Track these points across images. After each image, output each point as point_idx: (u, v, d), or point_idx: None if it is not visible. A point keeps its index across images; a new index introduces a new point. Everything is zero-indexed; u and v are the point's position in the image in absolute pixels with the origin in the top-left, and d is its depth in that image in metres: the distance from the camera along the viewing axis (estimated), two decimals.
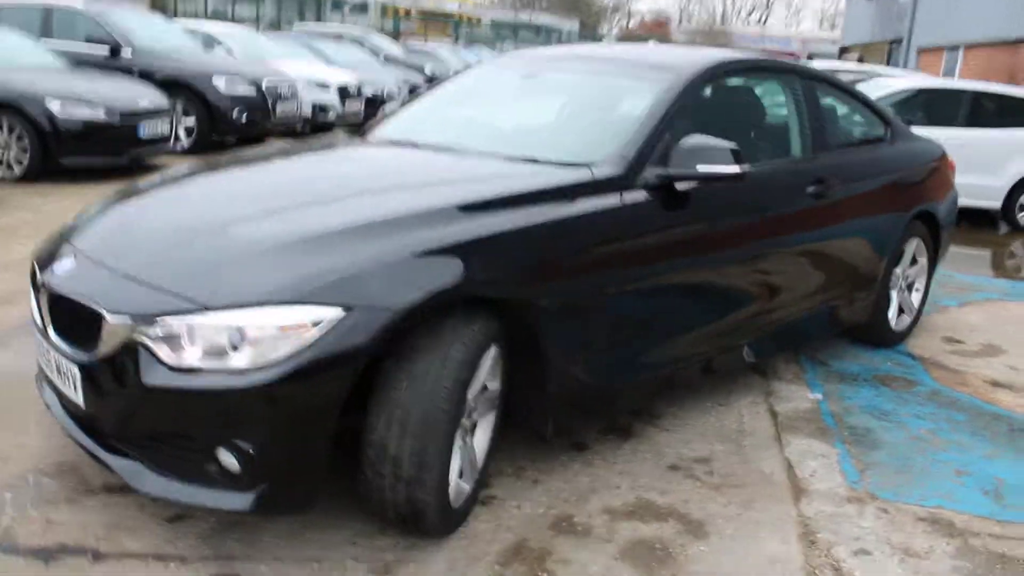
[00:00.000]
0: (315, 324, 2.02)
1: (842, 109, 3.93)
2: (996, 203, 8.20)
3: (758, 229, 3.14)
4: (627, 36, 56.96)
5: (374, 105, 12.40)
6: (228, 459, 2.06)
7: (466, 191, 2.49)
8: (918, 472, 2.92)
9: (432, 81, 14.47)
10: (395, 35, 44.06)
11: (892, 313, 4.13)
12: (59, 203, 6.15)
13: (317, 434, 2.06)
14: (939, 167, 4.34)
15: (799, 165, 3.39)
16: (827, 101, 3.77)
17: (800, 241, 3.35)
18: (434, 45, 26.67)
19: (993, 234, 8.32)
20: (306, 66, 12.20)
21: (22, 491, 2.50)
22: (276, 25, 33.32)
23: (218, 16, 39.68)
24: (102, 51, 9.00)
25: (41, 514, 2.39)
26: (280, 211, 2.36)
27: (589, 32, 60.37)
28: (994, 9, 18.02)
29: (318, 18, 48.09)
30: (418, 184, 2.63)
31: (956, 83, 9.63)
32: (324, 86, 11.93)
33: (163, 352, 2.04)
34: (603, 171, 2.68)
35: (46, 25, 9.23)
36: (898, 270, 4.13)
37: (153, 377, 2.04)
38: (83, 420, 2.31)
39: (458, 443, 2.33)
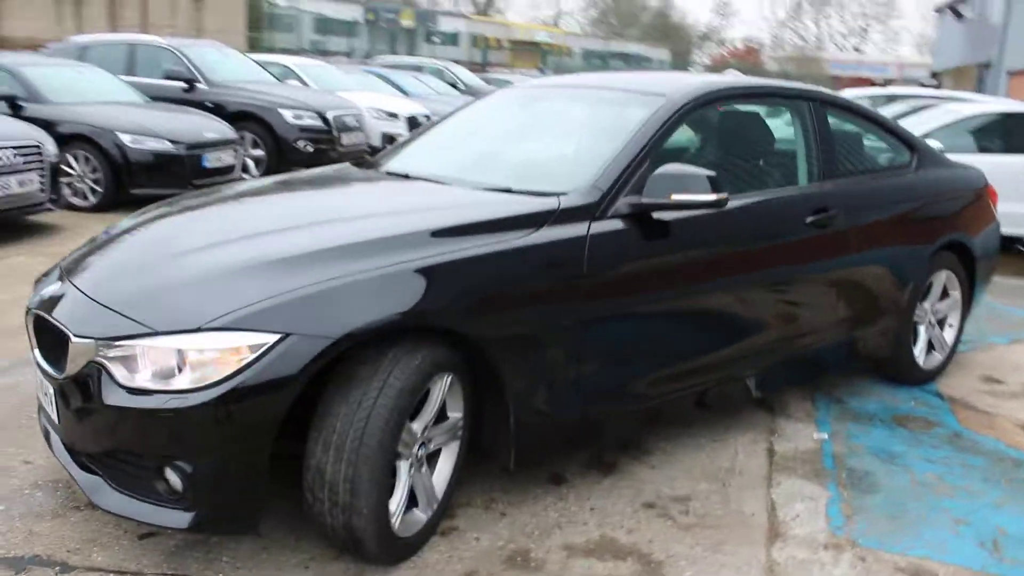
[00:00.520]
0: (252, 349, 2.08)
1: (859, 135, 3.78)
2: None
3: (747, 259, 3.05)
4: (716, 64, 56.36)
5: None
6: (173, 478, 2.14)
7: (418, 221, 2.52)
8: (912, 519, 2.75)
9: None
10: (483, 66, 45.05)
11: (919, 350, 3.93)
12: None
13: (254, 456, 2.12)
14: (976, 196, 4.12)
15: (798, 193, 3.28)
16: (840, 127, 3.65)
17: (799, 272, 3.24)
18: (518, 76, 27.09)
19: None
20: (377, 97, 12.57)
21: (15, 503, 2.65)
22: (369, 57, 34.51)
23: (316, 50, 41.54)
24: (179, 86, 9.52)
25: (25, 525, 2.53)
26: (239, 240, 2.45)
27: (680, 60, 60.06)
28: None
29: (410, 50, 49.67)
30: (381, 214, 2.68)
31: None
32: (393, 116, 12.24)
33: (119, 373, 2.14)
34: (572, 200, 2.67)
35: (130, 61, 9.86)
36: (926, 304, 3.93)
37: (110, 396, 2.14)
38: (62, 437, 2.44)
39: (405, 472, 2.35)
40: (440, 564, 2.41)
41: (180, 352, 2.10)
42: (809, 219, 3.22)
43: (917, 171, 3.89)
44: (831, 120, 3.55)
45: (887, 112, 9.64)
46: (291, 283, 2.20)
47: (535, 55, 53.22)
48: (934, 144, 7.23)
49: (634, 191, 2.74)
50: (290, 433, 2.20)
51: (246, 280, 2.23)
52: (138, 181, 7.37)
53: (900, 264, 3.63)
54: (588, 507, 2.76)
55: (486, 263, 2.41)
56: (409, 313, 2.23)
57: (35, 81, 7.59)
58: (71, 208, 7.16)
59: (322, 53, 41.90)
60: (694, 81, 3.25)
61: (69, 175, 7.32)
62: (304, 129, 9.70)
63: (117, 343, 2.16)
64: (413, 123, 12.57)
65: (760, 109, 3.59)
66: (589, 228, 2.62)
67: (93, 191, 7.38)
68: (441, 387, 2.40)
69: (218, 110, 9.30)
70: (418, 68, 19.87)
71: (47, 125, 7.18)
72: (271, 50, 36.52)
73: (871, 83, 21.44)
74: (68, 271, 2.58)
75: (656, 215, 2.78)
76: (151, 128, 7.44)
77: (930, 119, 7.98)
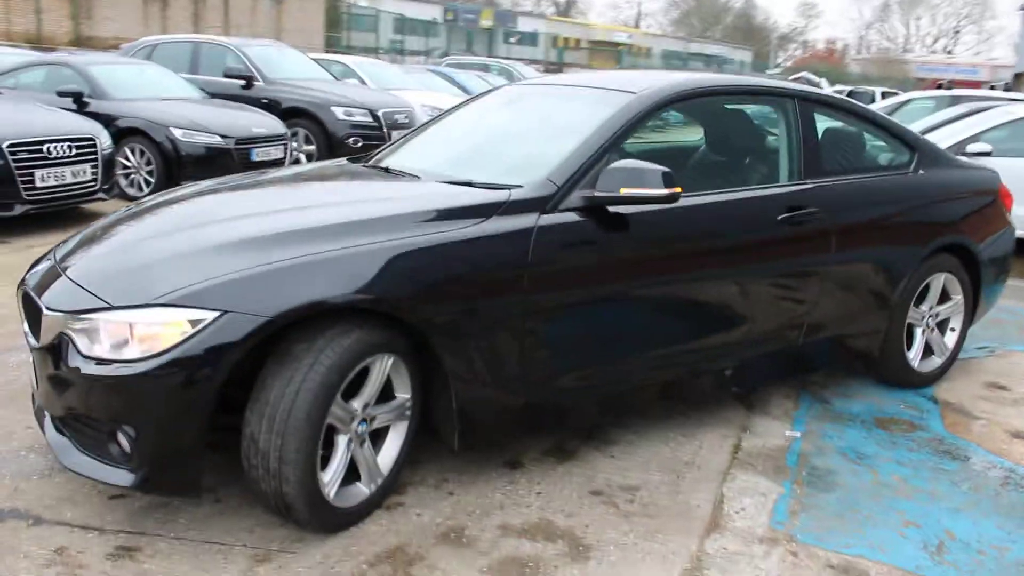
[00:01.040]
0: (192, 324, 2.24)
1: (851, 135, 3.72)
2: None
3: (708, 255, 3.06)
4: (796, 66, 54.94)
5: None
6: (123, 441, 2.32)
7: (368, 210, 2.65)
8: (860, 519, 2.73)
9: None
10: (559, 66, 45.10)
11: (914, 353, 3.84)
12: None
13: (192, 423, 2.27)
14: (984, 199, 4.00)
15: (771, 191, 3.27)
16: (829, 126, 3.61)
17: (770, 269, 3.23)
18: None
19: None
20: (433, 95, 12.79)
21: (10, 463, 2.89)
22: (445, 56, 35.14)
23: (394, 49, 42.36)
24: (238, 83, 9.93)
25: (13, 482, 2.76)
26: (203, 226, 2.63)
27: (763, 62, 58.89)
28: None
29: (489, 50, 50.15)
30: (339, 204, 2.81)
31: None
32: None
33: (82, 343, 2.33)
34: (523, 193, 2.75)
35: (194, 60, 10.33)
36: (924, 307, 3.84)
37: (74, 364, 2.33)
38: (38, 402, 2.66)
39: (343, 446, 2.48)
40: (376, 535, 2.53)
41: (130, 325, 2.27)
42: (781, 217, 3.20)
43: (917, 171, 3.81)
44: (818, 119, 3.51)
45: (948, 114, 9.33)
46: (236, 265, 2.35)
47: (613, 56, 53.01)
48: (982, 147, 7.03)
49: (589, 185, 2.79)
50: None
51: (197, 262, 2.40)
52: (188, 173, 7.72)
53: (888, 265, 3.57)
54: (536, 491, 2.83)
55: (427, 251, 2.51)
56: (342, 296, 2.35)
57: (99, 78, 8.06)
58: (126, 198, 7.58)
59: (400, 52, 42.72)
60: (668, 79, 3.27)
61: (127, 167, 7.76)
62: (355, 125, 9.98)
63: (81, 316, 2.35)
64: None
65: (742, 107, 3.57)
66: (538, 220, 2.69)
67: (147, 182, 7.79)
68: (382, 367, 2.51)
69: (273, 106, 9.67)
70: (485, 68, 20.11)
71: (108, 119, 7.65)
72: (348, 49, 37.47)
73: (939, 86, 20.52)
74: (56, 253, 2.81)
75: (613, 209, 2.83)
76: (202, 123, 7.81)
77: (984, 120, 7.71)
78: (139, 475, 2.32)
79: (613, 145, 2.92)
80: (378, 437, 2.67)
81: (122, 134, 7.70)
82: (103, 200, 6.86)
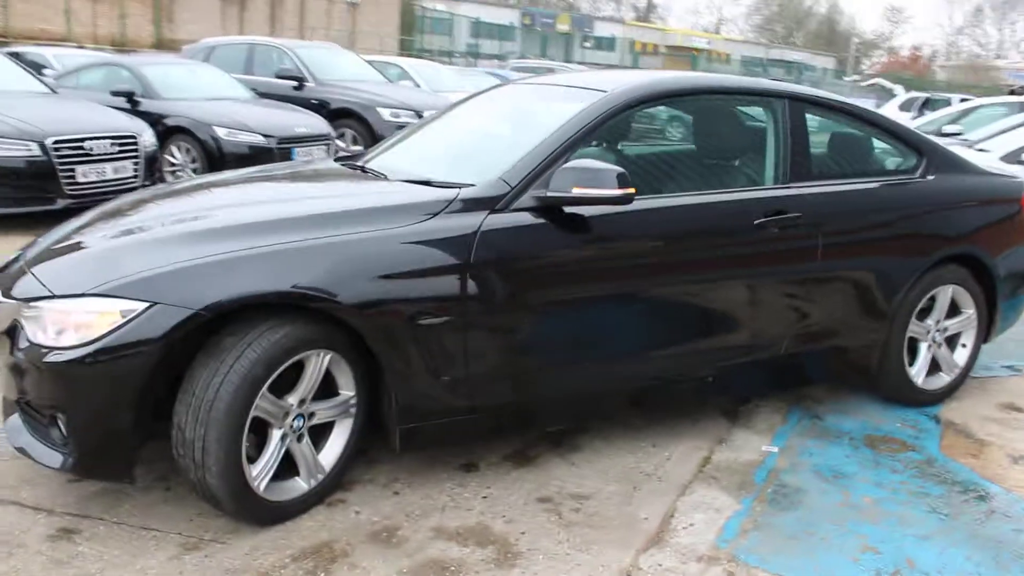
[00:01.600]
0: (123, 314, 2.29)
1: (850, 138, 3.55)
2: None
3: (672, 258, 2.95)
4: (881, 72, 53.05)
5: None
6: (61, 425, 2.38)
7: (314, 207, 2.66)
8: (815, 541, 2.58)
9: None
10: (634, 69, 44.66)
11: (917, 369, 3.62)
12: None
13: (121, 410, 2.32)
14: (1005, 208, 3.75)
15: (749, 194, 3.13)
16: (825, 129, 3.45)
17: (745, 275, 3.10)
18: None
19: None
20: None
21: None
22: (521, 60, 35.35)
23: (470, 52, 42.79)
24: (290, 84, 10.16)
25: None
26: (156, 222, 2.69)
27: (846, 68, 57.25)
28: None
29: (566, 54, 50.17)
30: (294, 200, 2.85)
31: None
32: None
33: (31, 330, 2.41)
34: (473, 192, 2.71)
35: (249, 61, 10.63)
36: (929, 321, 3.62)
37: (22, 351, 2.41)
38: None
39: (276, 440, 2.49)
40: (309, 531, 2.52)
41: (67, 314, 2.33)
42: (759, 221, 3.07)
43: (925, 177, 3.60)
44: (812, 122, 3.36)
45: (1017, 119, 8.83)
46: (171, 258, 2.39)
47: (688, 61, 52.36)
48: None
49: (544, 185, 2.74)
50: None
51: (138, 254, 2.45)
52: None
53: (884, 274, 3.38)
54: (482, 495, 2.79)
55: (362, 247, 2.50)
56: (270, 291, 2.36)
57: (151, 79, 8.37)
58: None
59: (474, 56, 43.08)
60: (643, 78, 3.18)
61: (173, 164, 8.03)
62: (400, 127, 10.08)
63: (31, 304, 2.43)
64: None
65: (724, 108, 3.43)
66: (484, 219, 2.65)
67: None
68: (318, 364, 2.51)
69: (322, 107, 9.87)
70: (549, 71, 20.09)
71: (157, 118, 7.95)
72: (422, 52, 38.00)
73: (1012, 91, 19.48)
74: (27, 247, 2.91)
75: (569, 210, 2.77)
76: (245, 123, 8.01)
77: None
78: (71, 459, 2.38)
79: (575, 144, 2.85)
80: (323, 434, 2.68)
81: (169, 132, 7.97)
82: None
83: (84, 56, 11.00)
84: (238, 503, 2.41)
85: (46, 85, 7.38)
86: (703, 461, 3.10)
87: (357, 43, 32.73)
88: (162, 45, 21.88)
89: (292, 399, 2.51)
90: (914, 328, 3.58)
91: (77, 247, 2.66)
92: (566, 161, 2.77)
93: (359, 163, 3.45)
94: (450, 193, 2.71)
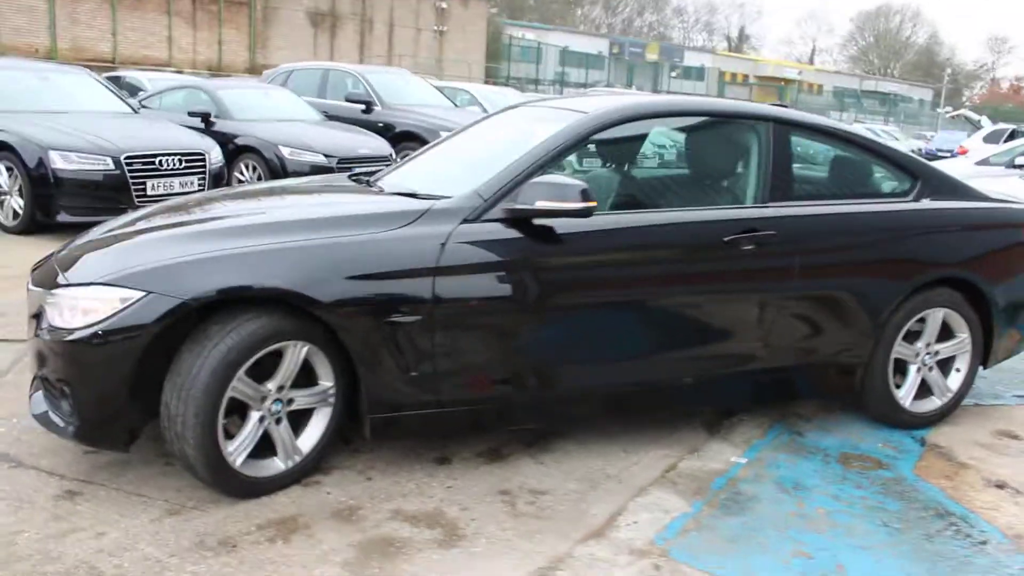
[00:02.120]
0: (122, 301, 2.61)
1: (840, 161, 3.62)
2: None
3: (641, 271, 3.10)
4: (978, 103, 51.03)
5: None
6: (68, 397, 2.72)
7: (302, 213, 2.95)
8: (752, 544, 2.67)
9: None
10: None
11: (905, 391, 3.64)
12: None
13: (116, 386, 2.63)
14: (1007, 234, 3.74)
15: (722, 213, 3.26)
16: (811, 152, 3.54)
17: (715, 290, 3.21)
18: None
19: None
20: None
21: (23, 418, 3.35)
22: (608, 87, 35.76)
23: (559, 80, 43.40)
24: (359, 107, 10.68)
25: (18, 434, 3.24)
26: (171, 224, 3.02)
27: (947, 100, 55.41)
28: None
29: (654, 83, 50.37)
30: (286, 207, 3.14)
31: None
32: None
33: (51, 314, 2.76)
34: (447, 204, 2.95)
35: (323, 85, 11.22)
36: (919, 344, 3.64)
37: (44, 332, 2.76)
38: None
39: (254, 420, 2.76)
40: (280, 505, 2.78)
41: (77, 299, 2.68)
42: (728, 238, 3.19)
43: (919, 200, 3.64)
44: (797, 144, 3.46)
45: None
46: (171, 254, 2.71)
47: (775, 91, 51.72)
48: None
49: (514, 199, 2.95)
50: None
51: (145, 251, 2.79)
52: None
53: (867, 295, 3.43)
54: (447, 485, 2.99)
55: (338, 250, 2.76)
56: (250, 286, 2.65)
57: (225, 101, 8.99)
58: None
59: (561, 84, 43.61)
60: (623, 101, 3.35)
61: (241, 180, 8.58)
62: None
63: (51, 292, 2.79)
64: None
65: (703, 130, 3.57)
66: (454, 228, 2.88)
67: None
68: (295, 354, 2.77)
69: (388, 130, 10.34)
70: None
71: (229, 137, 8.53)
72: (508, 80, 38.76)
73: None
74: (64, 247, 3.30)
75: (539, 222, 2.96)
76: (309, 143, 8.51)
77: None
78: (73, 427, 2.71)
79: (549, 162, 3.06)
80: (303, 420, 2.94)
81: (239, 151, 8.54)
82: None
83: (174, 79, 11.82)
84: (214, 474, 2.69)
85: (129, 106, 8.04)
86: (668, 468, 3.21)
87: (444, 70, 33.74)
88: (255, 70, 23.13)
89: (271, 385, 2.78)
90: (902, 350, 3.60)
91: (98, 245, 3.02)
92: (537, 177, 2.98)
93: (367, 178, 3.74)
94: (426, 204, 2.95)
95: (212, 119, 8.79)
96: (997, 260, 3.72)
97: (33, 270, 3.20)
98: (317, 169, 8.46)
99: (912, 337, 3.64)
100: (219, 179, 7.62)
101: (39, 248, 5.10)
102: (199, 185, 7.30)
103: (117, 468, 2.99)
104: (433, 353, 2.87)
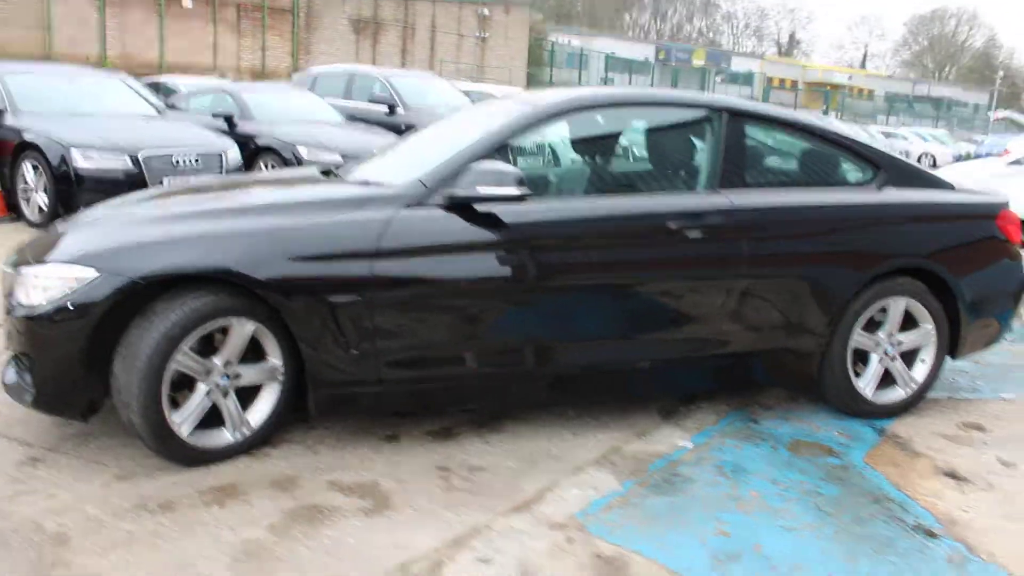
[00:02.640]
0: (78, 280, 2.78)
1: (796, 150, 3.63)
2: None
3: (584, 255, 3.15)
4: None
5: None
6: (29, 368, 2.89)
7: (253, 199, 3.10)
8: (673, 522, 2.70)
9: None
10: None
11: (865, 382, 3.61)
12: None
13: (71, 358, 2.79)
14: (973, 225, 3.71)
15: (668, 199, 3.29)
16: (765, 141, 3.56)
17: (661, 275, 3.25)
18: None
19: None
20: None
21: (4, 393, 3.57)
22: None
23: (603, 85, 43.30)
24: (383, 109, 10.89)
25: (7, 407, 3.43)
26: (134, 211, 3.18)
27: (1003, 105, 53.84)
28: None
29: (702, 88, 50.13)
30: (247, 196, 3.27)
31: None
32: None
33: (19, 293, 2.94)
34: (391, 190, 3.07)
35: (348, 87, 11.47)
36: (881, 333, 3.61)
37: (11, 309, 2.95)
38: None
39: (201, 393, 2.90)
40: (225, 474, 2.91)
41: (38, 277, 2.85)
42: (676, 225, 3.23)
43: (880, 189, 3.63)
44: (753, 134, 3.49)
45: None
46: (127, 236, 2.88)
47: (832, 96, 50.91)
48: None
49: (456, 185, 3.04)
50: None
51: (107, 233, 2.95)
52: None
53: (819, 282, 3.42)
54: (389, 461, 3.08)
55: (283, 233, 2.89)
56: (192, 266, 2.79)
57: (248, 103, 9.27)
58: None
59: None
60: (574, 92, 3.42)
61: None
62: None
63: (20, 271, 2.97)
64: None
65: (656, 119, 3.61)
66: (395, 213, 2.98)
67: None
68: (240, 331, 2.90)
69: (410, 130, 10.50)
70: None
71: (250, 138, 8.79)
72: (549, 85, 38.86)
73: None
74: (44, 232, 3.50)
75: (480, 207, 3.05)
76: (325, 143, 8.72)
77: None
78: (31, 396, 2.88)
79: (491, 150, 3.15)
80: (253, 395, 3.06)
81: (260, 151, 8.79)
82: None
83: (206, 83, 12.20)
84: (159, 442, 2.83)
85: (154, 108, 8.35)
86: (612, 449, 3.26)
87: (486, 75, 33.97)
88: None
89: (217, 360, 2.91)
90: (862, 339, 3.59)
91: (70, 226, 3.20)
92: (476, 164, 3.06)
93: (336, 170, 3.87)
94: (371, 191, 3.06)
95: (235, 120, 9.07)
96: (962, 250, 3.68)
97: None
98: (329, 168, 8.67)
99: (874, 326, 3.63)
100: None
101: None
102: None
103: (81, 439, 3.15)
104: (373, 333, 2.97)
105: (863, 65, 62.94)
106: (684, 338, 3.35)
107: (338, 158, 8.65)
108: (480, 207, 3.04)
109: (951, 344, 3.75)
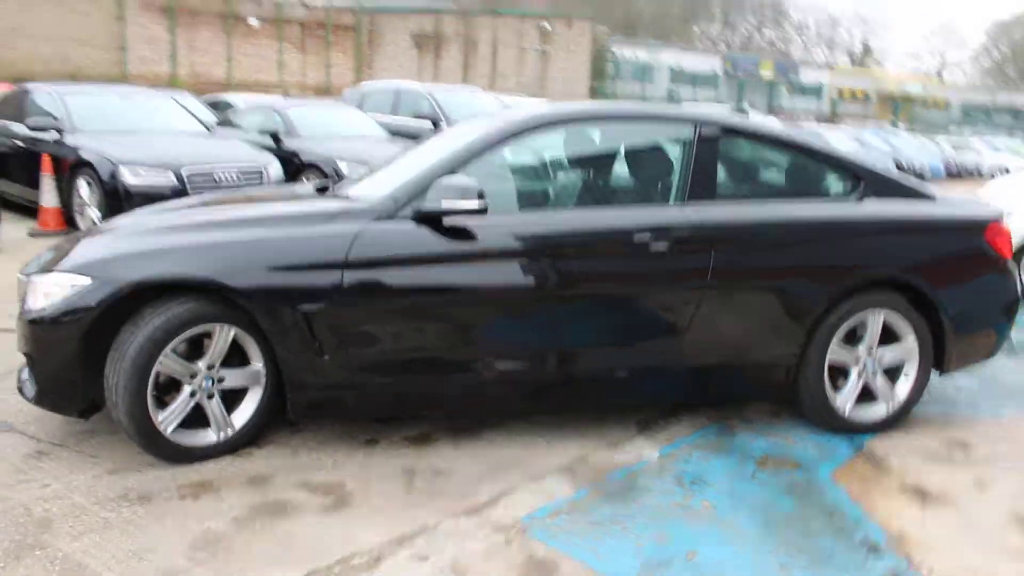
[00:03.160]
0: (72, 287, 3.04)
1: (772, 163, 3.68)
2: None
3: (548, 265, 3.26)
4: None
5: None
6: (33, 367, 3.17)
7: (237, 214, 3.31)
8: (614, 530, 2.78)
9: None
10: (831, 117, 43.44)
11: (844, 397, 3.61)
12: None
13: (66, 357, 3.05)
14: (960, 237, 3.68)
15: (633, 212, 3.38)
16: (741, 154, 3.62)
17: (622, 286, 3.34)
18: (838, 128, 26.14)
19: None
20: None
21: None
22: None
23: (670, 98, 43.26)
24: (427, 124, 11.18)
25: (21, 404, 3.68)
26: (133, 225, 3.44)
27: None
28: None
29: (769, 100, 49.46)
30: (239, 210, 3.49)
31: None
32: None
33: (28, 298, 3.23)
34: (362, 205, 3.26)
35: (396, 103, 11.81)
36: (860, 348, 3.61)
37: (23, 313, 3.24)
38: None
39: (185, 394, 3.12)
40: (207, 470, 3.12)
41: (42, 285, 3.13)
42: (640, 238, 3.31)
43: (860, 201, 3.64)
44: (723, 148, 3.55)
45: None
46: (122, 247, 3.13)
47: (904, 107, 49.48)
48: None
49: (422, 199, 3.20)
50: None
51: (107, 244, 3.22)
52: None
53: (789, 295, 3.45)
54: (359, 462, 3.25)
55: (260, 244, 3.10)
56: (173, 275, 3.02)
57: (294, 120, 9.65)
58: None
59: (672, 102, 43.37)
60: (542, 109, 3.55)
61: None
62: None
63: (29, 278, 3.26)
64: None
65: (629, 132, 3.70)
66: (364, 226, 3.16)
67: None
68: (222, 336, 3.12)
69: None
70: None
71: (294, 154, 9.16)
72: (611, 97, 38.94)
73: None
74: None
75: (447, 221, 3.20)
76: (365, 158, 8.98)
77: None
78: (33, 392, 3.16)
79: (458, 166, 3.30)
80: (238, 398, 3.28)
81: (303, 166, 9.15)
82: None
83: (261, 100, 12.72)
84: (144, 439, 3.06)
85: (204, 125, 8.80)
86: (578, 459, 3.35)
87: (547, 89, 34.22)
88: None
89: (201, 363, 3.14)
90: (839, 353, 3.59)
91: (78, 237, 3.49)
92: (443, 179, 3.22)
93: (326, 185, 4.08)
94: (345, 205, 3.25)
95: (281, 136, 9.46)
96: (945, 263, 3.65)
97: None
98: None
99: (855, 340, 3.63)
100: None
101: None
102: None
103: (85, 435, 3.42)
104: (344, 339, 3.15)
105: (940, 75, 60.95)
106: (650, 350, 3.42)
107: None
108: (446, 220, 3.19)
109: (937, 358, 3.72)
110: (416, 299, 3.20)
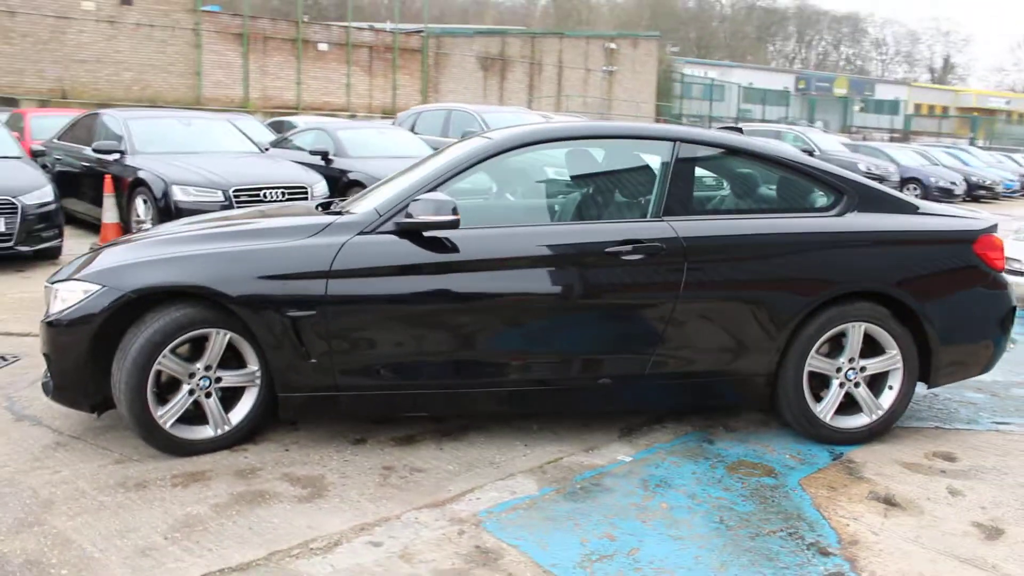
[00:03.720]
0: (85, 292, 3.35)
1: (755, 178, 3.74)
2: None
3: (525, 276, 3.41)
4: None
5: None
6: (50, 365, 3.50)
7: (235, 226, 3.57)
8: (566, 525, 2.89)
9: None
10: (905, 134, 42.22)
11: (824, 406, 3.63)
12: None
13: (77, 358, 3.35)
14: (945, 249, 3.67)
15: (603, 225, 3.51)
16: (720, 169, 3.70)
17: (594, 297, 3.45)
18: (907, 145, 25.43)
19: None
20: None
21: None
22: (790, 122, 35.30)
23: (741, 117, 42.82)
24: None
25: (49, 402, 4.06)
26: (147, 237, 3.75)
27: None
28: None
29: (844, 118, 48.47)
30: (240, 224, 3.75)
31: None
32: None
33: (51, 304, 3.57)
34: (349, 219, 3.49)
35: (446, 124, 12.15)
36: (841, 359, 3.63)
37: (46, 316, 3.57)
38: None
39: (184, 392, 3.38)
40: (201, 463, 3.37)
41: (59, 291, 3.45)
42: (610, 249, 3.43)
43: (843, 215, 3.67)
44: (702, 164, 3.65)
45: None
46: (131, 256, 3.43)
47: (985, 122, 47.74)
48: None
49: (404, 213, 3.40)
50: None
51: (120, 254, 3.52)
52: None
53: (763, 307, 3.50)
54: (344, 459, 3.45)
55: (252, 255, 3.35)
56: (171, 282, 3.29)
57: (343, 140, 10.06)
58: None
59: (743, 120, 42.93)
60: (526, 128, 3.71)
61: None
62: None
63: (52, 285, 3.59)
64: None
65: (609, 149, 3.82)
66: (349, 239, 3.38)
67: None
68: (218, 339, 3.37)
69: None
70: (776, 135, 19.98)
71: (342, 172, 9.55)
72: (679, 117, 38.79)
73: None
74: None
75: (429, 233, 3.40)
76: None
77: None
78: (51, 388, 3.47)
79: (441, 182, 3.50)
80: (236, 397, 3.53)
81: (351, 184, 9.52)
82: None
83: (315, 122, 13.25)
84: (145, 432, 3.33)
85: (256, 146, 9.26)
86: (551, 460, 3.47)
87: (613, 109, 34.31)
88: None
89: (199, 364, 3.40)
90: (819, 364, 3.62)
91: (106, 248, 3.81)
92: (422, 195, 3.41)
93: (331, 201, 4.34)
94: (336, 218, 3.49)
95: (331, 157, 9.88)
96: (930, 276, 3.64)
97: None
98: None
99: (834, 352, 3.66)
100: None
101: None
102: None
103: (101, 430, 3.72)
104: (328, 344, 3.37)
105: None
106: (625, 358, 3.52)
107: None
108: (426, 233, 3.39)
109: (923, 371, 3.71)
110: (397, 307, 3.39)
